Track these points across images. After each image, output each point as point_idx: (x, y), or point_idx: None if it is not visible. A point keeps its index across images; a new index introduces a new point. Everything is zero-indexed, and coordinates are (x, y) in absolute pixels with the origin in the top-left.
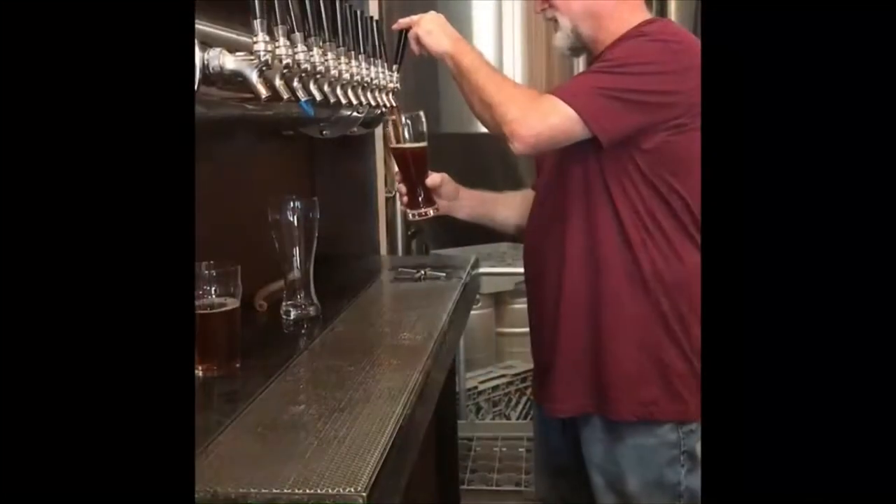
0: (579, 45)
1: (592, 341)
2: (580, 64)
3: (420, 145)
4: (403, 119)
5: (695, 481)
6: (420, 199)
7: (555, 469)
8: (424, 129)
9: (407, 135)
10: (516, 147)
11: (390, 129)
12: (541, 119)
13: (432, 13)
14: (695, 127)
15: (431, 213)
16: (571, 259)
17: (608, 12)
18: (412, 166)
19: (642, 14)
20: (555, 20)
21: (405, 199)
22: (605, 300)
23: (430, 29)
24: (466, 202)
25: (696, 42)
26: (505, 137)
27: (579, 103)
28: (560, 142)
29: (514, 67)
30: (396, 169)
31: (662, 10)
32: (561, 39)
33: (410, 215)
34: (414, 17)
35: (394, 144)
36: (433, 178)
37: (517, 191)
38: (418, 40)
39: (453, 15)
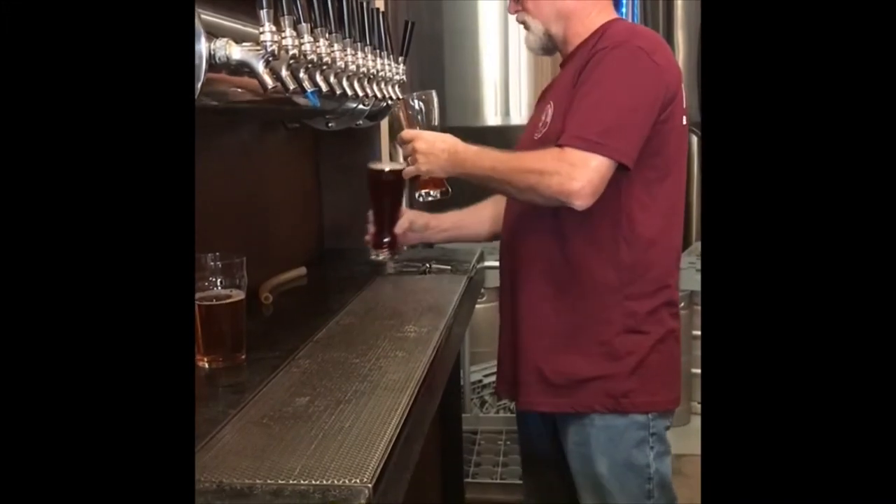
0: (551, 46)
1: (559, 340)
2: None
3: (399, 167)
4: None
5: (664, 467)
6: (385, 240)
7: (537, 459)
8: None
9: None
10: (579, 205)
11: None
12: (578, 172)
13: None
14: (661, 120)
15: (391, 255)
16: (538, 257)
17: (578, 13)
18: (385, 197)
19: (609, 14)
20: (525, 23)
21: (370, 234)
22: (571, 297)
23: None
24: (439, 229)
25: (660, 39)
26: (562, 204)
27: (596, 147)
28: (607, 176)
29: (520, 62)
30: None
31: (668, 10)
32: (533, 41)
33: (372, 252)
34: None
35: (375, 167)
36: (400, 225)
37: (487, 200)
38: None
39: (459, 12)
